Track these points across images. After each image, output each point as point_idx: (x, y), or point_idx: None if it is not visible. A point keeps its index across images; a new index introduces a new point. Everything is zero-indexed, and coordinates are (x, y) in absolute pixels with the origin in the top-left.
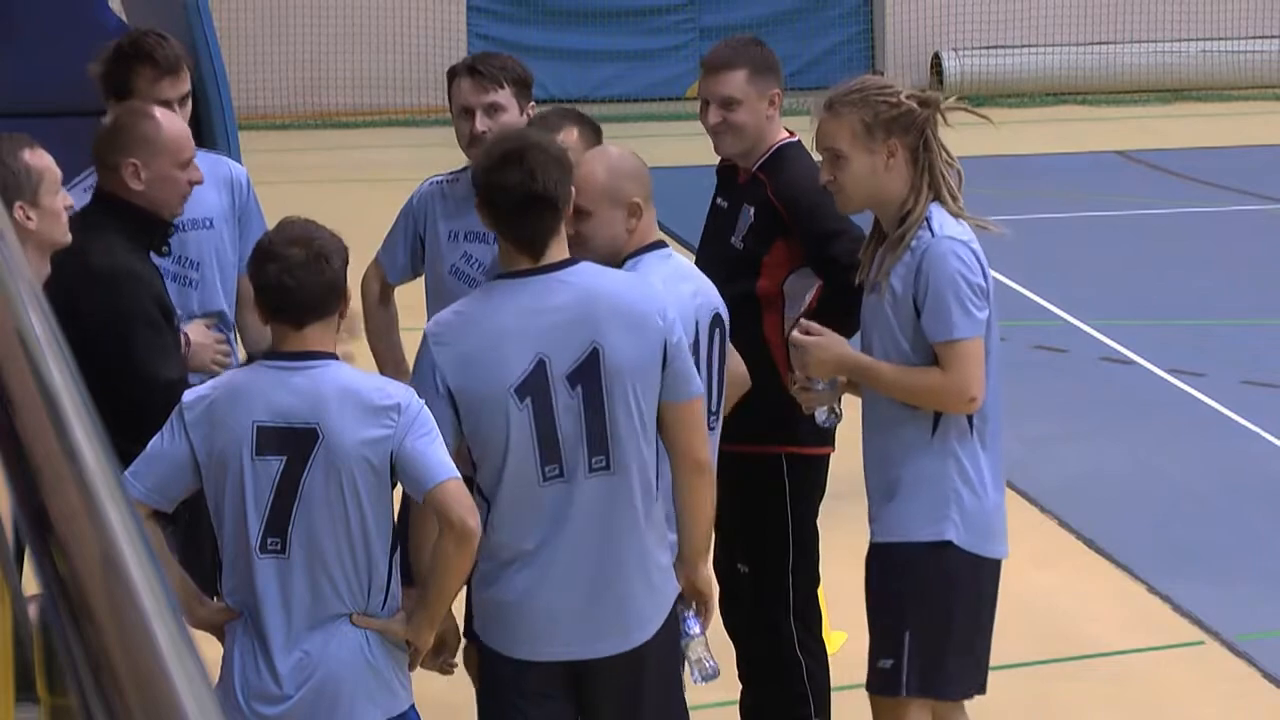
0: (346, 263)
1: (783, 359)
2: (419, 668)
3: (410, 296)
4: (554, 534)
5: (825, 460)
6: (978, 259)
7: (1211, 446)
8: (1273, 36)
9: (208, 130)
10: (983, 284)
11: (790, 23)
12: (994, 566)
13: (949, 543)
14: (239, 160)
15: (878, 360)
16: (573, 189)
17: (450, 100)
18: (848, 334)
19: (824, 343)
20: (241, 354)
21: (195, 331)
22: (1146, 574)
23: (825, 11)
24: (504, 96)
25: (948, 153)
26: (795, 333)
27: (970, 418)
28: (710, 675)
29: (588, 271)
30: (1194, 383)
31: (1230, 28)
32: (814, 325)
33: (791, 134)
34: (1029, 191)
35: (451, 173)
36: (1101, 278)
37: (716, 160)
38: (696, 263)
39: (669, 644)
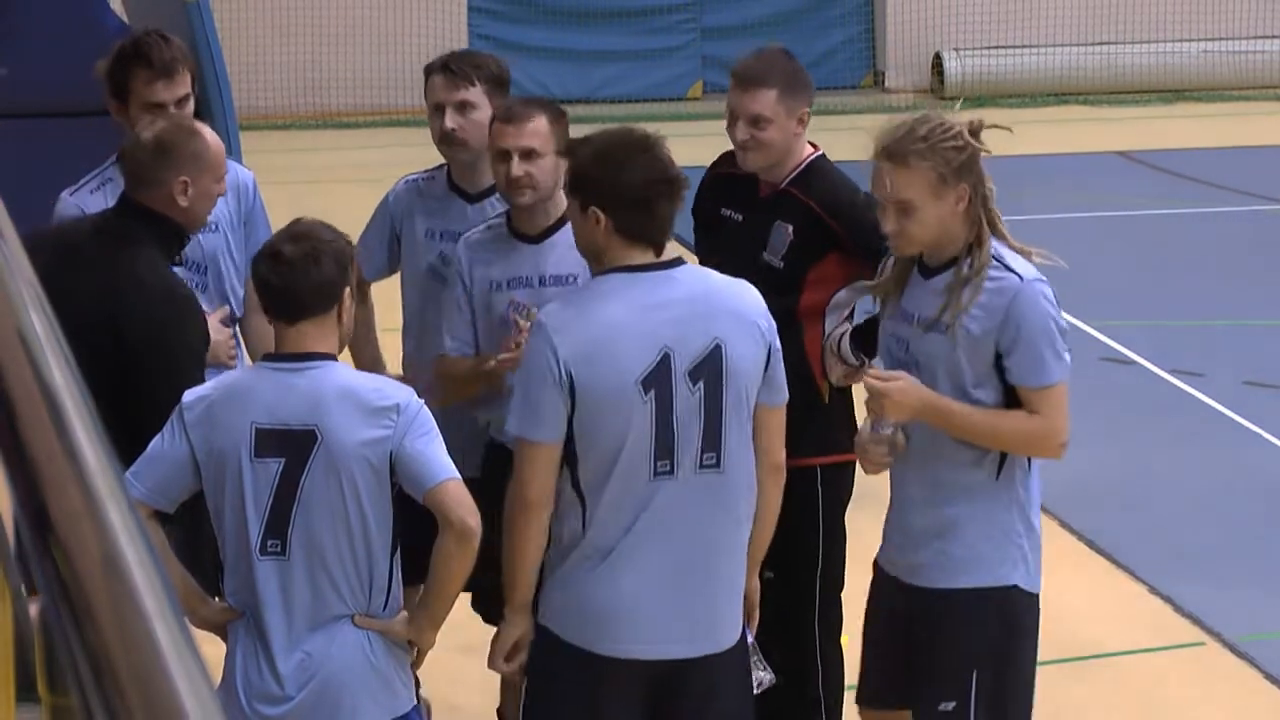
0: (344, 266)
1: (820, 372)
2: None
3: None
4: (653, 530)
5: (854, 464)
6: (1056, 298)
7: (1212, 447)
8: (1274, 37)
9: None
10: (1065, 325)
11: (791, 23)
12: (1039, 599)
13: (1015, 586)
14: (240, 161)
15: (956, 402)
16: None
17: (425, 97)
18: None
19: (904, 386)
20: (247, 359)
21: (213, 327)
22: (1147, 575)
23: (826, 11)
24: (475, 94)
25: (987, 181)
26: (871, 379)
27: (1029, 458)
28: (764, 684)
29: (694, 269)
30: (1195, 383)
31: (1232, 28)
32: (888, 372)
33: (815, 147)
34: (1030, 192)
35: (427, 171)
36: (1102, 278)
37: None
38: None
39: (745, 650)
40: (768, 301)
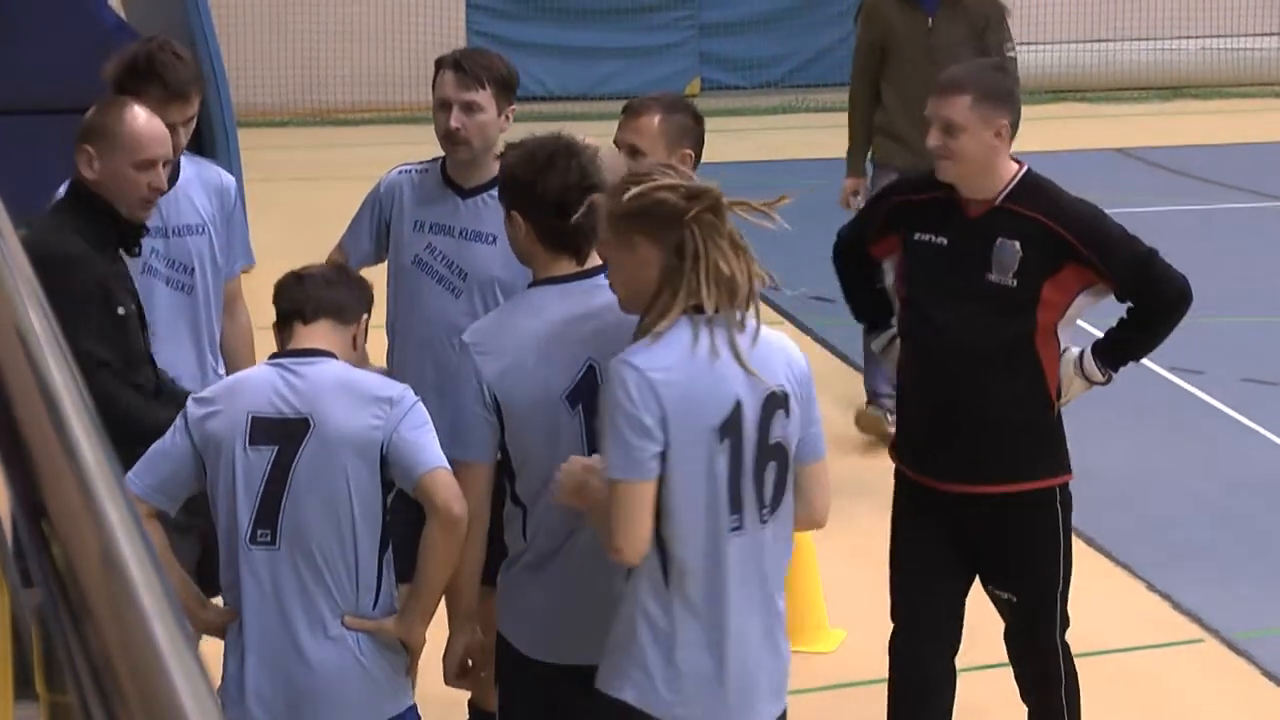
0: (367, 300)
1: (1055, 389)
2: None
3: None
4: (586, 539)
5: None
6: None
7: (1211, 444)
8: (1272, 34)
9: (207, 128)
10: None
11: (789, 21)
12: None
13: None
14: (238, 157)
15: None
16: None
17: (434, 89)
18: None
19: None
20: (223, 368)
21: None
22: (1146, 572)
23: (824, 8)
24: (484, 97)
25: None
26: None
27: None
28: None
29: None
30: (1193, 380)
31: (1230, 25)
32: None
33: (1020, 164)
34: None
35: (423, 163)
36: None
37: (722, 158)
38: (918, 303)
39: None
40: (998, 328)
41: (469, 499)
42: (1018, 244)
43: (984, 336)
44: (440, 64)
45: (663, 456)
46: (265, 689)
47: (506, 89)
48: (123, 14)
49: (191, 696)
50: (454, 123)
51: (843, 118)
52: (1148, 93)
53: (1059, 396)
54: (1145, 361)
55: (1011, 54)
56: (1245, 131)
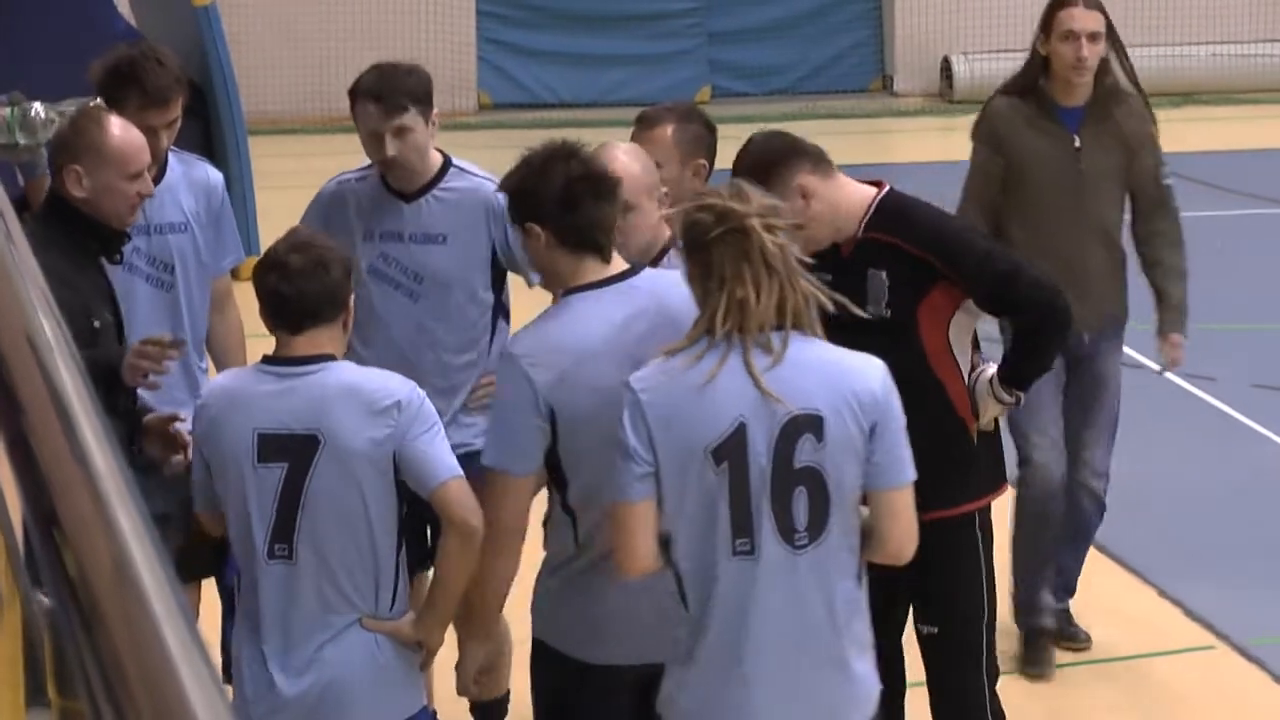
0: (348, 273)
1: (969, 412)
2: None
3: None
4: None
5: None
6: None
7: (1222, 450)
8: None
9: (218, 136)
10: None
11: (799, 28)
12: None
13: None
14: (248, 165)
15: None
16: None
17: (355, 118)
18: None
19: None
20: (211, 370)
21: (133, 351)
22: (1157, 578)
23: (834, 16)
24: (409, 118)
25: None
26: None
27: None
28: None
29: (651, 275)
30: (1204, 386)
31: (1240, 31)
32: None
33: (880, 185)
34: None
35: (360, 170)
36: None
37: (729, 164)
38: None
39: None
40: (892, 360)
41: (510, 511)
42: (884, 273)
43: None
44: (356, 95)
45: (655, 477)
46: (282, 693)
47: (426, 101)
48: (134, 23)
49: (204, 703)
50: (390, 151)
51: (852, 124)
52: (1158, 99)
53: (977, 417)
54: (1155, 367)
55: (1168, 182)
56: (1255, 138)
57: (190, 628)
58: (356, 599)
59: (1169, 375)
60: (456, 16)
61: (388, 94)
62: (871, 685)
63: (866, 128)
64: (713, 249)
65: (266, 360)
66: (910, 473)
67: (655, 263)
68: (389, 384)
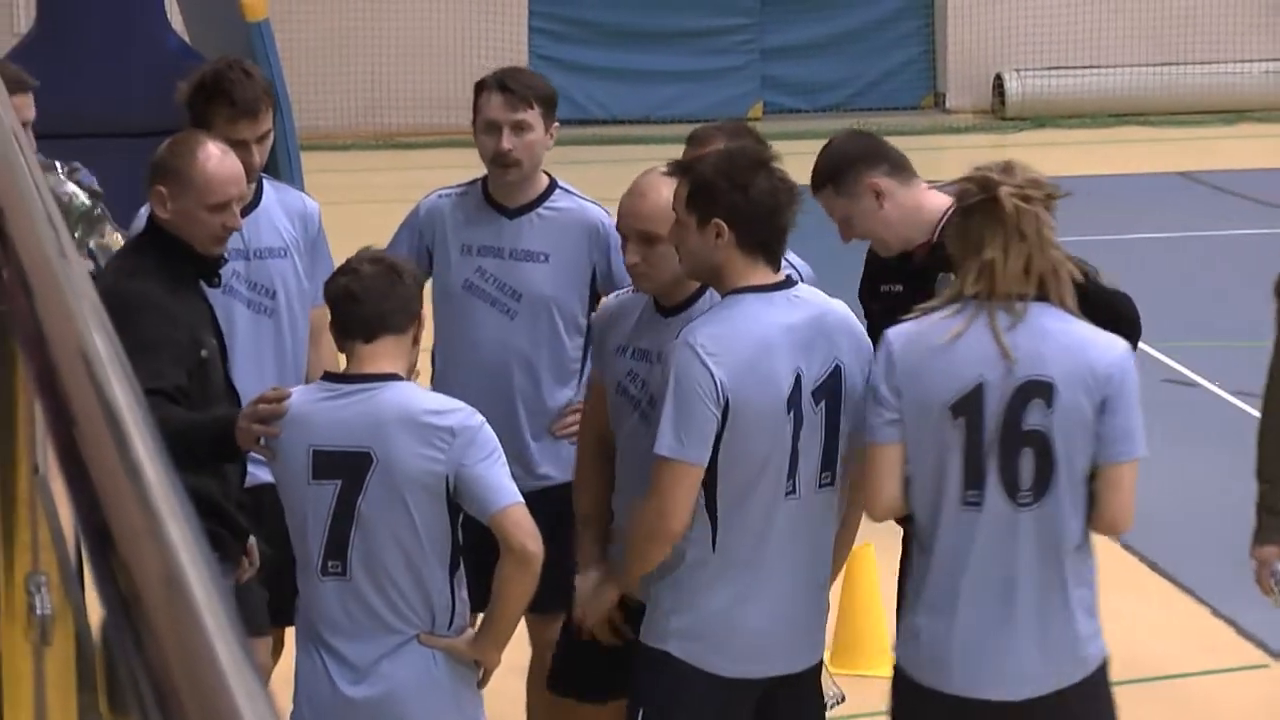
0: (421, 285)
1: None
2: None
3: None
4: (781, 549)
5: None
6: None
7: None
8: None
9: (271, 152)
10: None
11: (851, 44)
12: None
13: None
14: (301, 181)
15: None
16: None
17: (475, 113)
18: None
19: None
20: None
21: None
22: (1209, 597)
23: (887, 33)
24: (532, 116)
25: None
26: None
27: None
28: (836, 700)
29: (810, 290)
30: (1254, 403)
31: None
32: None
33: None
34: (1091, 212)
35: (461, 185)
36: (1164, 299)
37: None
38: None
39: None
40: None
41: (682, 504)
42: (953, 276)
43: None
44: (483, 86)
45: (901, 423)
46: (338, 709)
47: (551, 107)
48: (186, 38)
49: (255, 717)
50: (506, 144)
51: (904, 141)
52: (1211, 116)
53: None
54: (1208, 385)
55: None
56: None
57: (242, 642)
58: (411, 616)
59: (1217, 390)
60: (509, 33)
61: (516, 86)
62: (1095, 648)
63: (918, 144)
64: (971, 215)
65: (328, 377)
66: (1140, 449)
67: (701, 292)
68: (446, 407)
